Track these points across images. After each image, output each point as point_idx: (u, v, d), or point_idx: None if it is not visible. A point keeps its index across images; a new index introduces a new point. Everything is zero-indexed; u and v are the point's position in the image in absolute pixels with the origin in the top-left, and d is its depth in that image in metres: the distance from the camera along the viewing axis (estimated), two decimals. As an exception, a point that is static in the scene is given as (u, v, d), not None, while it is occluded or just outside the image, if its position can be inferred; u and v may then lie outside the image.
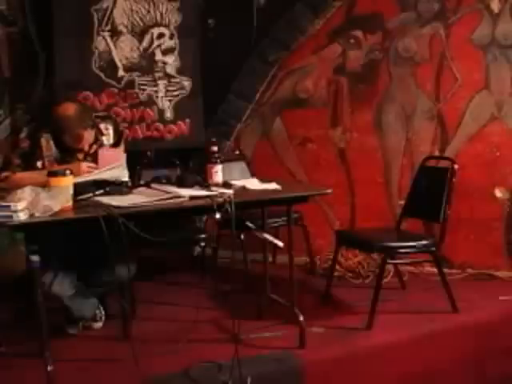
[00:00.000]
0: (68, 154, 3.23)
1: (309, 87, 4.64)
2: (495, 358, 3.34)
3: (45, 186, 2.69)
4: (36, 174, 3.06)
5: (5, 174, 3.12)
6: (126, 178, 3.06)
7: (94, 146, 3.29)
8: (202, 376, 2.77)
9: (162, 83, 4.51)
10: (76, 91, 4.23)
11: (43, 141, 3.19)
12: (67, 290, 3.11)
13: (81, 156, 3.25)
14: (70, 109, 3.20)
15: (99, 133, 3.33)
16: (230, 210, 2.76)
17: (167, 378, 2.78)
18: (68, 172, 2.71)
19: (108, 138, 3.37)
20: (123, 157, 3.18)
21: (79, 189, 2.81)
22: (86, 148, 3.23)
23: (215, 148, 3.24)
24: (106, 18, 4.32)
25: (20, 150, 3.20)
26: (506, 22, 4.14)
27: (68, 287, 3.11)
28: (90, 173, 3.06)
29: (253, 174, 3.90)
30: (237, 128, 4.82)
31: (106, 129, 3.37)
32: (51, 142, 3.20)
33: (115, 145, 3.39)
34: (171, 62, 4.53)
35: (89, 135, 3.21)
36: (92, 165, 3.17)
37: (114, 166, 3.07)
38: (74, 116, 3.17)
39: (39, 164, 3.16)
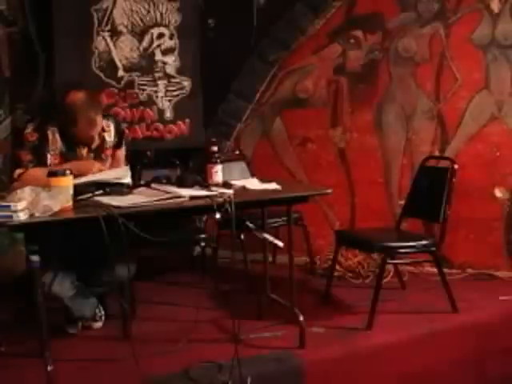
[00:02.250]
0: (72, 147, 3.23)
1: (309, 87, 4.64)
2: (495, 357, 3.34)
3: None
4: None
5: (19, 171, 3.12)
6: (128, 180, 3.07)
7: (97, 141, 3.30)
8: (202, 376, 2.77)
9: (161, 83, 4.51)
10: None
11: (50, 134, 3.18)
12: (67, 290, 3.11)
13: (84, 151, 3.26)
14: (80, 95, 3.17)
15: (102, 130, 3.34)
16: (229, 210, 2.76)
17: (167, 378, 2.78)
18: (68, 172, 2.71)
19: (109, 134, 3.37)
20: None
21: (79, 189, 2.81)
22: (97, 138, 3.22)
23: (215, 148, 3.24)
24: (105, 18, 4.32)
25: (29, 143, 3.17)
26: (506, 22, 4.14)
27: (68, 287, 3.11)
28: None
29: (253, 174, 3.90)
30: (237, 128, 4.82)
31: (108, 126, 3.37)
32: (57, 135, 3.19)
33: (117, 145, 3.40)
34: (171, 62, 4.53)
35: (100, 121, 3.20)
36: (104, 168, 3.20)
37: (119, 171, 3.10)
38: (85, 100, 3.15)
39: (48, 157, 3.16)
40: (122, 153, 3.43)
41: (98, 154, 3.31)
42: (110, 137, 3.37)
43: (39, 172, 3.00)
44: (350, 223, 4.60)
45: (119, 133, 3.42)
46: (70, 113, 3.12)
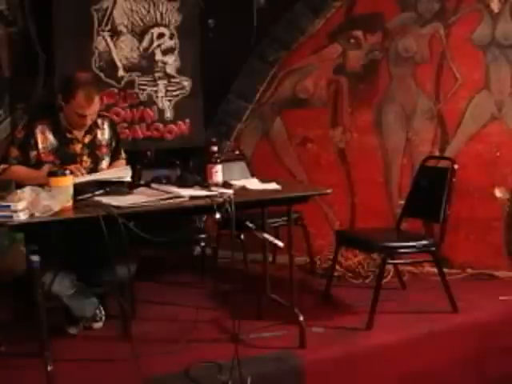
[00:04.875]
0: (65, 143, 3.23)
1: (309, 87, 4.64)
2: (495, 357, 3.34)
3: (41, 186, 2.71)
4: (35, 173, 3.08)
5: (2, 166, 3.16)
6: (128, 179, 3.07)
7: (89, 136, 3.30)
8: (202, 376, 2.77)
9: (162, 83, 4.50)
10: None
11: (38, 131, 3.19)
12: (67, 290, 3.10)
13: (78, 147, 3.26)
14: (84, 73, 3.34)
15: (95, 126, 3.34)
16: (230, 210, 2.76)
17: (167, 378, 2.78)
18: (68, 172, 2.72)
19: (103, 132, 3.38)
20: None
21: (79, 189, 2.82)
22: (89, 121, 3.21)
23: (215, 148, 3.24)
24: (105, 18, 4.32)
25: (17, 140, 3.21)
26: (506, 22, 4.14)
27: (68, 287, 3.11)
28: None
29: (253, 174, 3.90)
30: (237, 128, 4.82)
31: (102, 124, 3.39)
32: (47, 132, 3.21)
33: (115, 154, 3.43)
34: (171, 61, 4.53)
35: (97, 103, 3.21)
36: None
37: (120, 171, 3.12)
38: (89, 77, 3.30)
39: (32, 154, 3.17)
40: (121, 162, 3.45)
41: (92, 150, 3.31)
42: (102, 135, 3.37)
43: (22, 170, 3.10)
44: (350, 223, 4.60)
45: (116, 136, 3.44)
46: (71, 83, 3.16)
